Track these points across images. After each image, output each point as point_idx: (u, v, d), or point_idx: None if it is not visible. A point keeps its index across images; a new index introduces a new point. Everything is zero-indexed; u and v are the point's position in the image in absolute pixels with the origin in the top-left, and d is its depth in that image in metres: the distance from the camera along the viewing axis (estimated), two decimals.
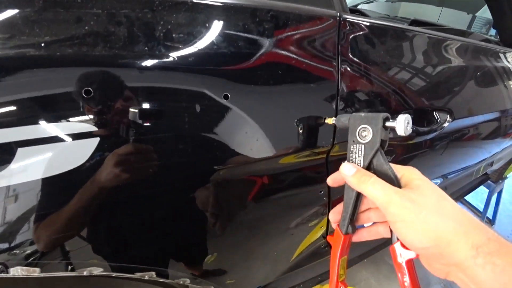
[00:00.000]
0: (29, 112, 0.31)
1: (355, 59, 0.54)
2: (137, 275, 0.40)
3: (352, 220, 0.38)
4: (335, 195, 0.63)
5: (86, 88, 0.33)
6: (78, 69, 0.34)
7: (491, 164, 1.47)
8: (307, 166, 0.56)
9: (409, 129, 0.35)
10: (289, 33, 0.47)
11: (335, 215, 0.40)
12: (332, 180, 0.39)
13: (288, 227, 0.63)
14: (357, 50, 0.54)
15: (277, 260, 0.69)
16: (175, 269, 0.50)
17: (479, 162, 1.26)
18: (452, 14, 2.22)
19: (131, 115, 0.36)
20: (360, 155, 0.36)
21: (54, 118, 0.32)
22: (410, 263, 0.33)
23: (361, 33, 0.56)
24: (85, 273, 0.34)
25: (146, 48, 0.37)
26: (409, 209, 0.29)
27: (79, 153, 0.33)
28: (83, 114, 0.33)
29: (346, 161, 0.38)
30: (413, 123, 0.66)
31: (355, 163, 0.37)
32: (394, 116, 0.35)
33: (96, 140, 0.34)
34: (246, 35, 0.43)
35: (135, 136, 0.37)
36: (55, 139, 0.32)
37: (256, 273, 0.68)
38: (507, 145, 1.37)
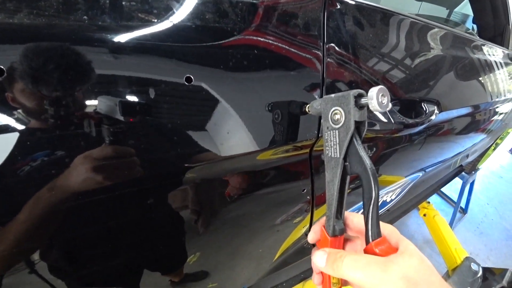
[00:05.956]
0: None
1: (342, 41, 0.48)
2: None
3: (339, 218, 0.34)
4: (319, 192, 0.58)
5: None
6: None
7: (467, 156, 1.51)
8: (288, 163, 0.50)
9: (386, 103, 0.28)
10: (268, 9, 0.40)
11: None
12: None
13: (273, 223, 0.58)
14: (345, 32, 0.49)
15: (261, 258, 0.64)
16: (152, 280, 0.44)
17: (457, 154, 1.28)
18: (431, 8, 2.28)
19: (64, 103, 0.28)
20: (335, 143, 0.31)
21: None
22: None
23: (348, 13, 0.50)
24: None
25: (86, 17, 0.29)
26: None
27: None
28: None
29: (325, 168, 0.33)
30: (401, 113, 0.63)
31: (331, 155, 0.32)
32: None
33: (14, 136, 0.25)
34: (215, 6, 0.36)
35: (76, 131, 0.29)
36: None
37: (240, 274, 0.64)
38: (483, 137, 1.40)
